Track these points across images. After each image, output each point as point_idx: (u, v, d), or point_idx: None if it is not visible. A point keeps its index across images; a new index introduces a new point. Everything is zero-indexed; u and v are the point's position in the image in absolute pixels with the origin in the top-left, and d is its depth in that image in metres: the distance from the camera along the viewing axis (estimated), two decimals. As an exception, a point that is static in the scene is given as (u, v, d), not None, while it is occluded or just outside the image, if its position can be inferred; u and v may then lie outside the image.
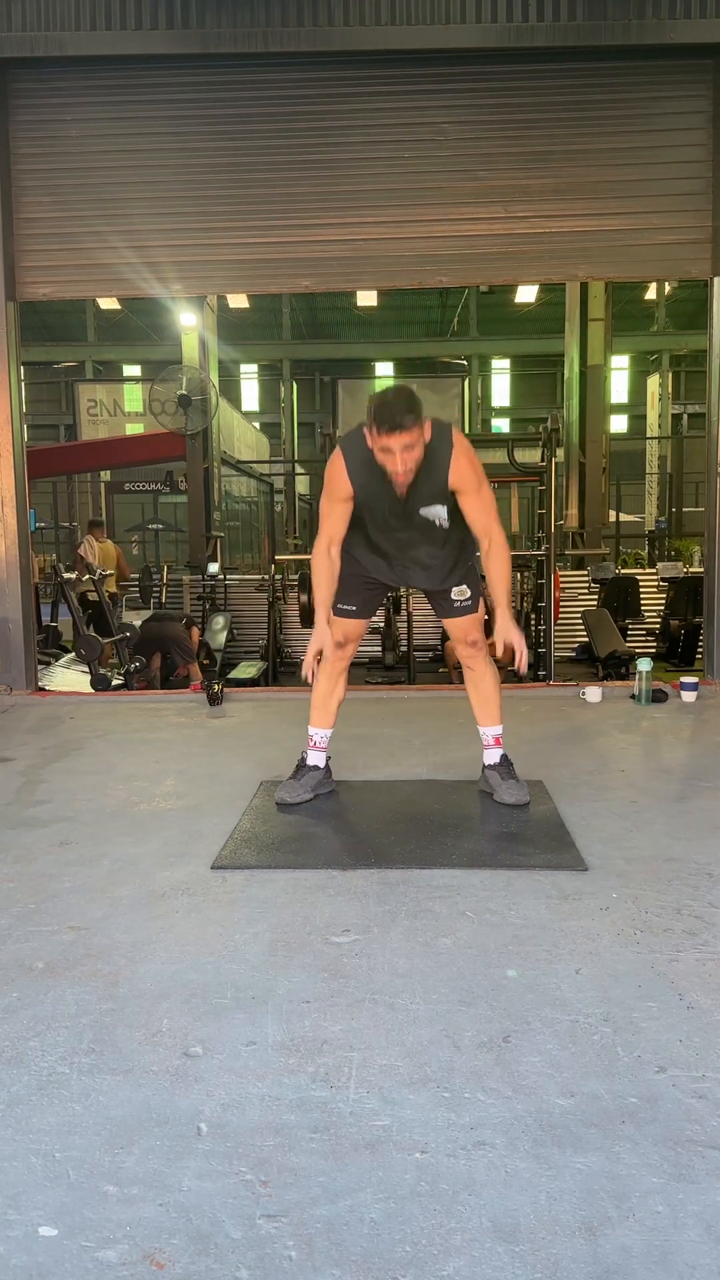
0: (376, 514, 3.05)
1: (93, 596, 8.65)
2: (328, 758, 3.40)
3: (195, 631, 8.65)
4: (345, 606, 3.25)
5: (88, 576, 8.10)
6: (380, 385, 23.72)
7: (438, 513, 3.03)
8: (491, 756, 3.34)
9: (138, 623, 8.17)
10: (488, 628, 3.24)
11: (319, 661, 3.13)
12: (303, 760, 3.39)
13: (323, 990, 2.02)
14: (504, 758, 3.33)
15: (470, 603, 3.28)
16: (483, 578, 3.25)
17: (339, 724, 3.44)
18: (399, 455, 2.81)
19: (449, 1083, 1.69)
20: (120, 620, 8.16)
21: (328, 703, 3.34)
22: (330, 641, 3.12)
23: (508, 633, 3.06)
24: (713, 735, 4.40)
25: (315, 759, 3.37)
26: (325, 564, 3.09)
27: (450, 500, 3.02)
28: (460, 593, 3.26)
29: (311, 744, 3.38)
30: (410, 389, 2.91)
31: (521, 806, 3.17)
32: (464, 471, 2.95)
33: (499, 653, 3.13)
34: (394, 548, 3.15)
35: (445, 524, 3.05)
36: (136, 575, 10.56)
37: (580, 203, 5.57)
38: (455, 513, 3.06)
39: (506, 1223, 1.36)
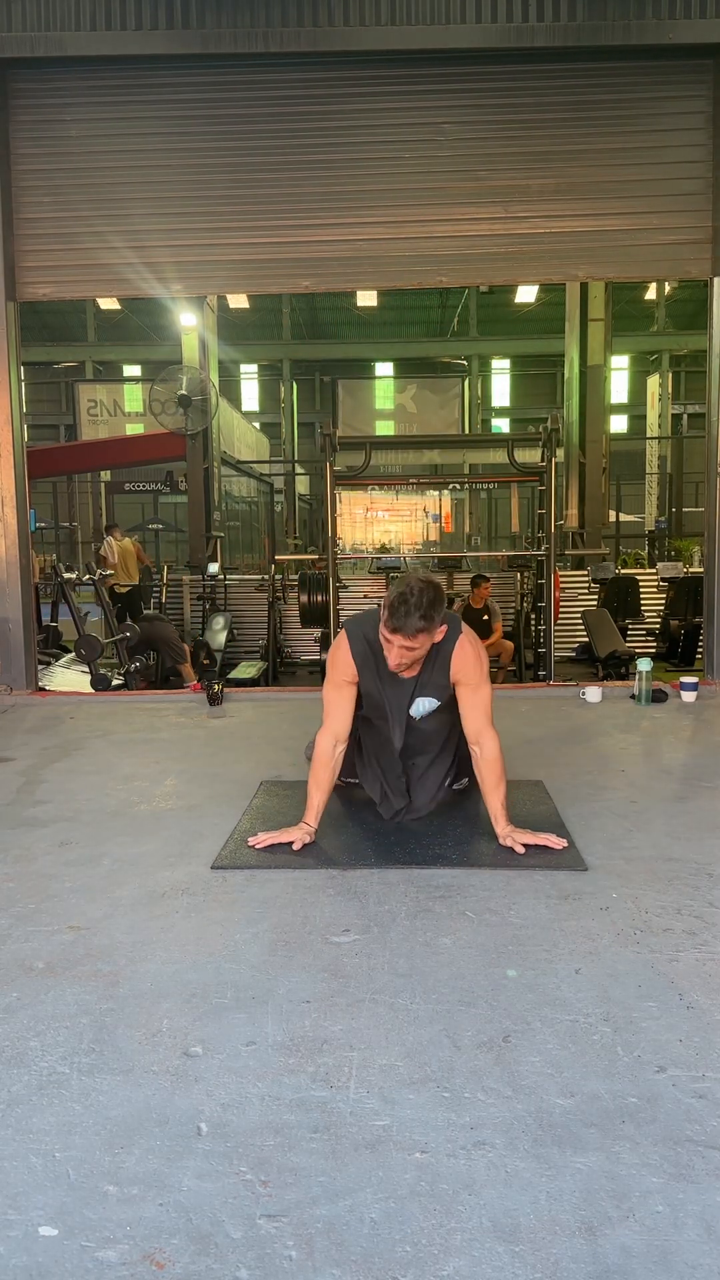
0: (373, 711, 2.94)
1: (122, 589, 9.64)
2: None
3: (187, 649, 8.69)
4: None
5: (99, 574, 8.16)
6: (380, 386, 23.84)
7: (429, 705, 2.91)
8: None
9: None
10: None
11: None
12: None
13: (323, 990, 2.02)
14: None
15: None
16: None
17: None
18: (396, 650, 2.72)
19: (449, 1083, 1.69)
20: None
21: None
22: (305, 842, 2.85)
23: (511, 838, 2.80)
24: (713, 735, 4.40)
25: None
26: (327, 767, 2.88)
27: (447, 696, 2.90)
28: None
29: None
30: (438, 590, 2.69)
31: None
32: (468, 664, 2.82)
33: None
34: (390, 769, 3.03)
35: (436, 729, 2.98)
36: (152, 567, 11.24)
37: (581, 203, 5.57)
38: (448, 720, 2.96)
39: (506, 1223, 1.36)
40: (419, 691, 2.92)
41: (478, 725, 2.87)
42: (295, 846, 2.84)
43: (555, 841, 2.80)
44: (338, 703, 2.93)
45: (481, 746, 2.87)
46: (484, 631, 8.58)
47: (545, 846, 2.78)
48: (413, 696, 2.93)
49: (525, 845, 2.79)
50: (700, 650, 7.31)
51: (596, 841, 2.90)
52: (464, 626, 2.91)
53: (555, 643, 8.07)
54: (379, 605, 2.82)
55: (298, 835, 2.87)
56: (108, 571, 9.39)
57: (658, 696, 5.03)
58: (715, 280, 5.57)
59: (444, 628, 2.78)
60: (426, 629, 2.69)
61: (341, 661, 2.90)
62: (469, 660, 2.84)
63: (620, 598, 9.87)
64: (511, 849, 2.77)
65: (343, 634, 2.93)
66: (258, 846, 2.86)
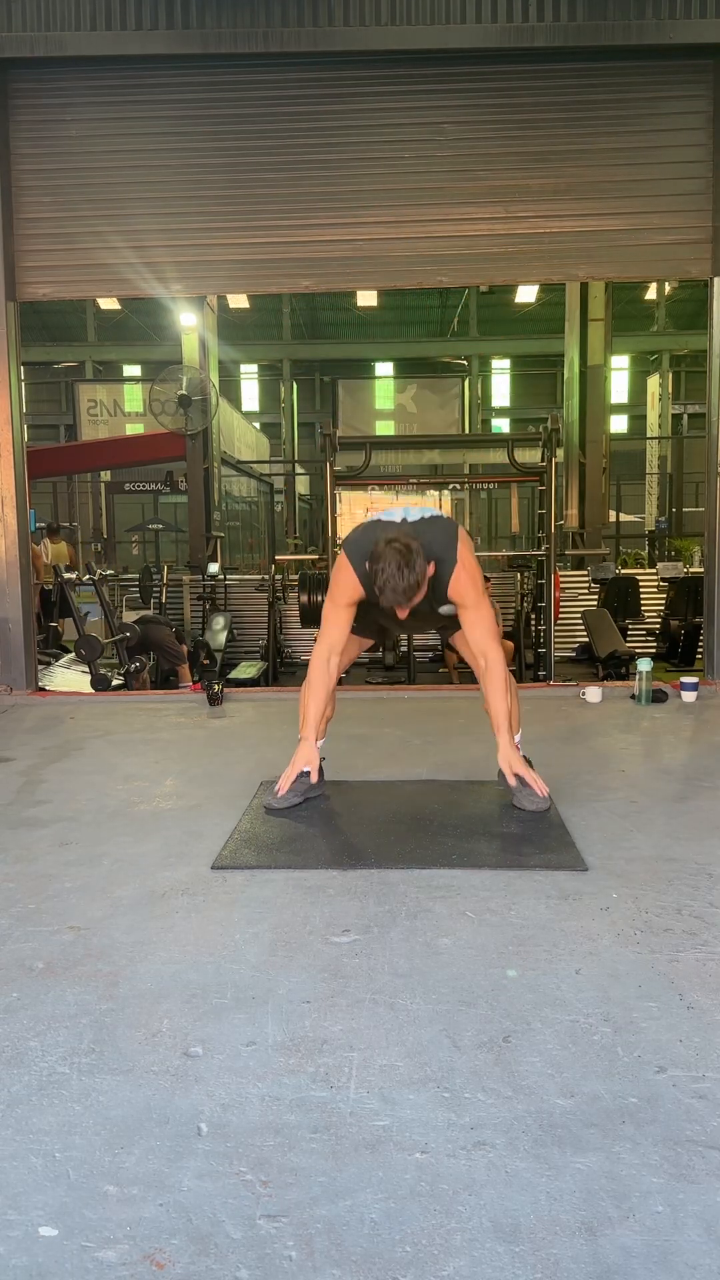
0: (383, 610, 3.01)
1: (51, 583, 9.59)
2: (321, 761, 3.30)
3: (184, 649, 8.67)
4: (356, 626, 3.19)
5: (99, 573, 8.15)
6: (380, 386, 23.82)
7: (447, 609, 3.04)
8: None
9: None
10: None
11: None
12: None
13: (323, 990, 2.02)
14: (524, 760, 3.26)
15: None
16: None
17: (339, 724, 3.44)
18: (405, 610, 2.85)
19: (449, 1083, 1.69)
20: (120, 620, 8.18)
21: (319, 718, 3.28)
22: (315, 762, 3.05)
23: (511, 762, 2.93)
24: (713, 735, 4.40)
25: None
26: (322, 677, 3.08)
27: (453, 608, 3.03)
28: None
29: None
30: (405, 548, 2.75)
31: (541, 814, 3.05)
32: (463, 588, 2.92)
33: (510, 780, 3.04)
34: (400, 627, 3.20)
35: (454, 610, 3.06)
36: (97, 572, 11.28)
37: (580, 203, 5.57)
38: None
39: (507, 1223, 1.36)
40: (426, 609, 2.99)
41: (480, 641, 2.95)
42: (312, 777, 3.03)
43: (541, 786, 2.95)
44: (337, 621, 3.05)
45: (488, 660, 2.95)
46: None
47: (541, 841, 2.79)
48: (425, 610, 3.00)
49: (517, 776, 2.96)
50: (700, 650, 7.31)
51: (596, 841, 2.90)
52: (461, 549, 2.92)
53: (555, 643, 8.08)
54: (373, 522, 2.96)
55: (306, 760, 3.03)
56: (108, 571, 9.41)
57: (658, 696, 5.03)
58: (715, 280, 5.57)
59: (431, 565, 2.83)
60: (419, 584, 2.78)
61: (347, 584, 2.97)
62: (463, 585, 2.93)
63: (620, 598, 9.86)
64: (509, 843, 2.78)
65: (344, 558, 2.97)
66: (281, 792, 3.00)
